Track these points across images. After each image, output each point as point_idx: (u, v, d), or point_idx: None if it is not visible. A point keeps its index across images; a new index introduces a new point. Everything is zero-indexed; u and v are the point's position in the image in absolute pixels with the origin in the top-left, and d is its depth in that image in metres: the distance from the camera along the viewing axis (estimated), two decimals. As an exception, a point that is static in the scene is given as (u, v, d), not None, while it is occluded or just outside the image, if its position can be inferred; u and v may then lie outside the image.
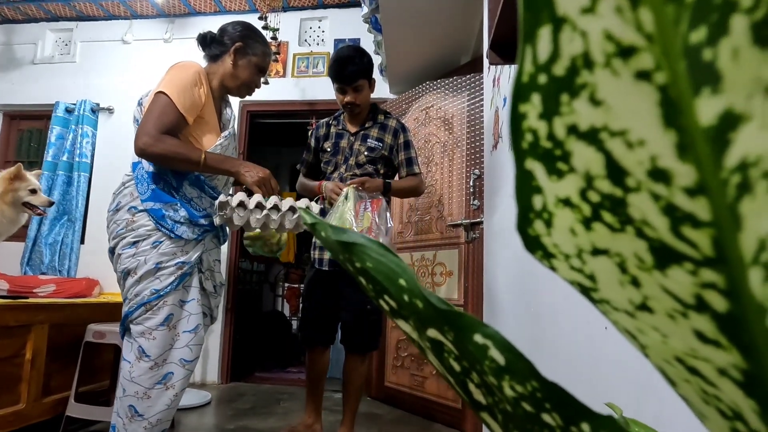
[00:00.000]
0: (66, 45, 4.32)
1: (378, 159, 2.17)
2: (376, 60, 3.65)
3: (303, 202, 1.66)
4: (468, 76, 2.87)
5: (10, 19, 4.36)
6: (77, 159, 3.91)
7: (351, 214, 1.88)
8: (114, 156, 3.99)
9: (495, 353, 0.21)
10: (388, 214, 1.93)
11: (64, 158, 3.94)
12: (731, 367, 0.16)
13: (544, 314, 1.74)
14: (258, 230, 1.65)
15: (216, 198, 1.63)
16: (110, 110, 4.07)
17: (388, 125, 2.23)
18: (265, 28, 3.56)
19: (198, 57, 4.19)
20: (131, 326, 1.51)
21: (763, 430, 0.17)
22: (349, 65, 2.07)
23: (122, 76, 4.14)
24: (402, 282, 0.24)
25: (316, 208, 1.70)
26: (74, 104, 4.03)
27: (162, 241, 1.52)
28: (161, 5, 4.05)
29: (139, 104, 1.67)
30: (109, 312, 2.71)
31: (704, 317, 0.16)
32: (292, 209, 1.60)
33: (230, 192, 1.85)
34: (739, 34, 0.12)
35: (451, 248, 2.82)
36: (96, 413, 2.18)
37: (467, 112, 2.84)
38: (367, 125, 2.20)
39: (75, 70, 4.22)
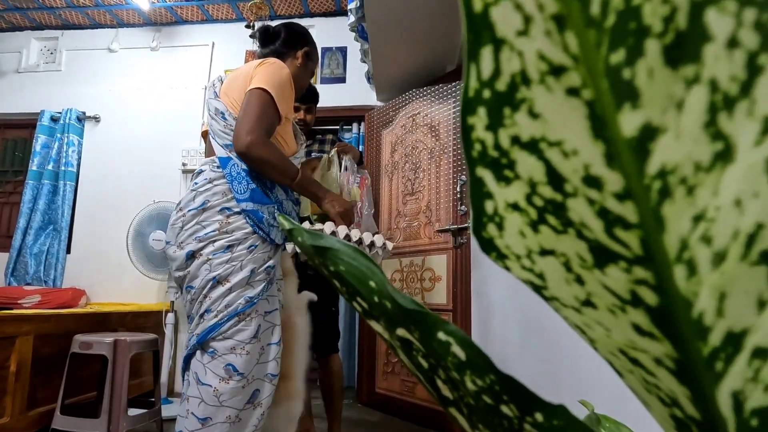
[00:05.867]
0: (51, 53, 4.29)
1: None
2: (363, 68, 3.69)
3: (379, 239, 1.66)
4: (453, 83, 2.90)
5: (25, 6, 4.30)
6: (63, 168, 3.87)
7: (341, 180, 1.98)
8: (100, 165, 3.97)
9: (457, 349, 0.22)
10: (371, 196, 2.01)
11: (50, 167, 3.89)
12: (665, 357, 0.18)
13: (532, 317, 1.76)
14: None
15: (293, 202, 1.58)
16: (96, 119, 4.05)
17: (324, 139, 2.49)
18: (253, 36, 3.57)
19: (184, 64, 4.16)
20: (216, 343, 1.34)
21: (696, 415, 0.19)
22: (310, 87, 2.35)
23: (108, 84, 4.12)
24: (372, 284, 0.25)
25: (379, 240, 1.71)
26: (60, 113, 4.00)
27: (257, 245, 1.41)
28: (148, 14, 4.04)
29: (216, 95, 1.53)
30: (96, 322, 2.68)
31: (639, 311, 0.18)
32: (372, 244, 1.62)
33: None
34: (653, 56, 0.14)
35: (440, 253, 2.84)
36: (83, 425, 2.15)
37: (453, 118, 2.87)
38: (308, 143, 2.44)
39: (60, 79, 4.19)
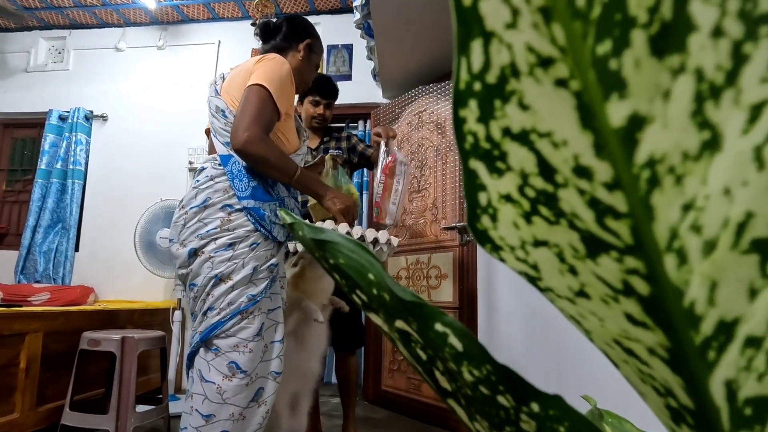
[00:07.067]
0: (59, 53, 4.32)
1: (343, 163, 2.39)
2: (369, 65, 3.68)
3: (383, 235, 1.62)
4: (459, 80, 2.90)
5: (2, 27, 4.37)
6: (71, 167, 3.91)
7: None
8: (108, 163, 4.00)
9: (454, 340, 0.22)
10: (403, 174, 1.91)
11: (58, 166, 3.93)
12: (658, 346, 0.18)
13: (538, 314, 1.76)
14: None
15: (296, 199, 1.58)
16: (104, 118, 4.08)
17: (340, 136, 2.50)
18: (257, 34, 3.58)
19: (190, 63, 4.17)
20: (219, 341, 1.35)
21: (690, 404, 0.19)
22: (331, 83, 2.38)
23: (116, 83, 4.15)
24: (371, 276, 0.26)
25: (384, 237, 1.66)
26: (68, 112, 4.03)
27: (259, 243, 1.41)
28: (154, 13, 4.06)
29: (216, 93, 1.53)
30: (104, 319, 2.71)
31: (631, 301, 0.18)
32: (375, 241, 1.58)
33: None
34: (639, 46, 0.14)
35: (446, 251, 2.84)
36: (91, 421, 2.17)
37: (459, 115, 2.86)
38: (325, 139, 2.46)
39: (68, 78, 4.22)
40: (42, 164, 3.97)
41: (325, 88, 2.36)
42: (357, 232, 1.56)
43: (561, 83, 0.15)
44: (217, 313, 1.35)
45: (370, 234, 1.59)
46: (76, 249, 3.89)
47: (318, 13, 4.06)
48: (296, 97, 2.45)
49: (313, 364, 1.66)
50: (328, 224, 1.52)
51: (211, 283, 1.36)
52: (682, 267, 0.16)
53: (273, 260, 1.44)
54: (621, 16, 0.14)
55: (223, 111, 1.48)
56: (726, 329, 0.17)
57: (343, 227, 1.52)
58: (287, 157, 1.47)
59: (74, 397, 2.23)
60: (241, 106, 1.40)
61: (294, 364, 1.59)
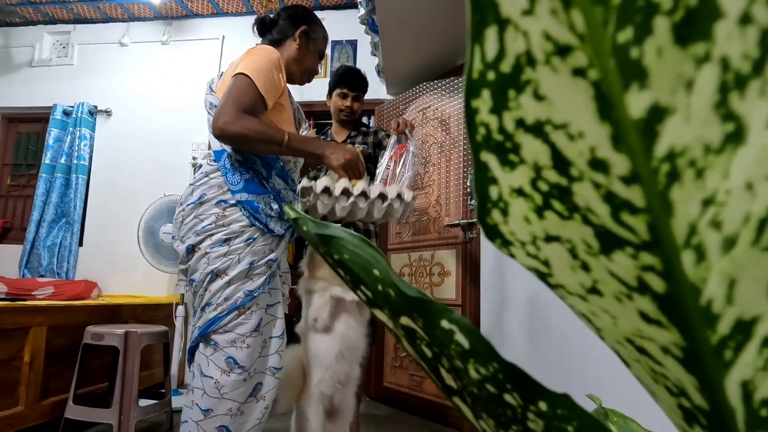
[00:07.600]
0: (63, 47, 4.32)
1: (367, 158, 2.33)
2: (373, 61, 3.67)
3: (392, 190, 1.48)
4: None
5: (7, 22, 4.37)
6: (75, 161, 3.91)
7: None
8: (112, 158, 4.00)
9: (460, 337, 0.22)
10: (410, 164, 1.80)
11: (62, 161, 3.94)
12: (672, 345, 0.18)
13: (541, 313, 1.75)
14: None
15: (294, 192, 1.54)
16: (108, 113, 4.08)
17: (368, 131, 2.45)
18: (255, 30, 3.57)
19: (194, 58, 4.17)
20: (217, 336, 1.35)
21: (704, 405, 0.18)
22: (359, 75, 2.37)
23: (120, 78, 4.14)
24: (376, 272, 0.25)
25: (376, 190, 1.50)
26: (72, 107, 4.04)
27: (255, 238, 1.39)
28: (158, 7, 4.06)
29: (211, 90, 1.55)
30: (108, 314, 2.71)
31: (646, 298, 0.17)
32: (382, 196, 1.46)
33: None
34: (662, 34, 0.13)
35: (449, 248, 2.83)
36: (94, 415, 2.18)
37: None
38: (352, 133, 2.42)
39: (73, 73, 4.22)
40: (46, 159, 3.97)
41: (352, 81, 2.33)
42: (359, 187, 1.44)
43: (579, 72, 0.15)
44: (214, 309, 1.35)
45: (375, 189, 1.45)
46: (80, 243, 3.90)
47: (322, 8, 4.05)
48: (327, 89, 2.45)
49: (347, 364, 1.52)
50: (324, 180, 1.42)
51: (208, 279, 1.37)
52: (700, 264, 0.16)
53: (272, 255, 1.43)
54: (644, 2, 0.13)
55: (213, 105, 1.49)
56: (744, 328, 0.17)
57: (342, 183, 1.43)
58: (270, 125, 1.40)
59: (78, 390, 2.24)
60: (223, 96, 1.39)
61: (326, 364, 1.48)
